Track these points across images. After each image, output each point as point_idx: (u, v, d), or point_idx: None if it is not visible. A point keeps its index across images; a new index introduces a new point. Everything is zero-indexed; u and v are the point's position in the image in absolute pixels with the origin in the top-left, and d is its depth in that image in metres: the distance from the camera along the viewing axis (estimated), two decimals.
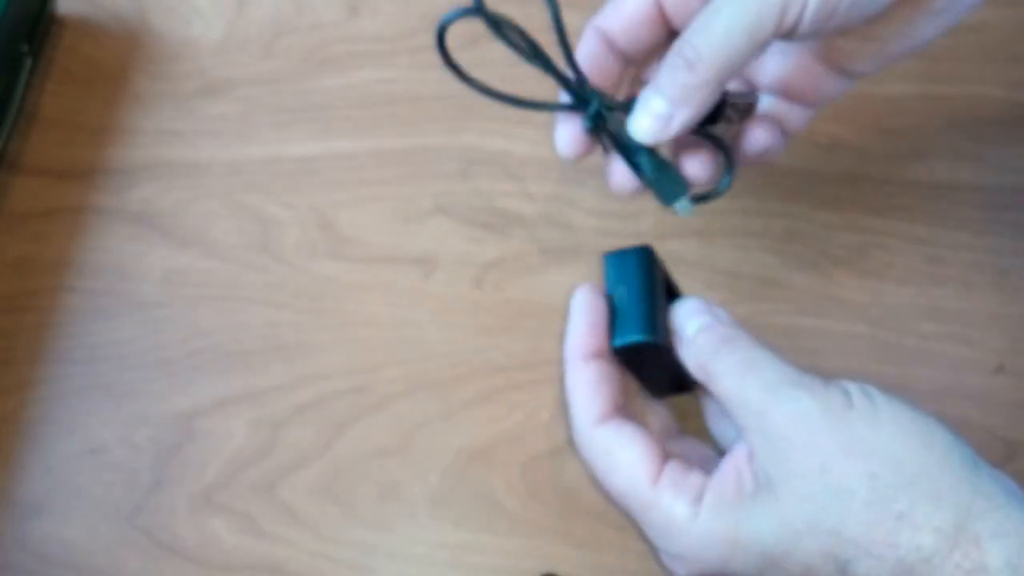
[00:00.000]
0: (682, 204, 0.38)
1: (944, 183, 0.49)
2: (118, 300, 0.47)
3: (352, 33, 0.52)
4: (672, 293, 0.38)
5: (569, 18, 0.49)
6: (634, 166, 0.38)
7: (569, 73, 0.37)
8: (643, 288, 0.37)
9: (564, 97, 0.38)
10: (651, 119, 0.36)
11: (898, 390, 0.32)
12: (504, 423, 0.46)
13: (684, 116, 0.35)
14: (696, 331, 0.35)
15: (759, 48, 0.34)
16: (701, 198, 0.39)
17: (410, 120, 0.50)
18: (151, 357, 0.47)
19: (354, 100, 0.51)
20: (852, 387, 0.33)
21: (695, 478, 0.34)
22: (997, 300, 0.47)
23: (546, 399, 0.46)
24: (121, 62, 0.51)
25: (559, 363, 0.47)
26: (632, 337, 0.36)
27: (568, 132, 0.38)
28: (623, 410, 0.36)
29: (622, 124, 0.37)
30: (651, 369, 0.37)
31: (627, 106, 0.37)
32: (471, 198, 0.49)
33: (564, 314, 0.46)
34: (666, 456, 0.35)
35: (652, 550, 0.35)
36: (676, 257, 0.43)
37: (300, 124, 0.50)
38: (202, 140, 0.50)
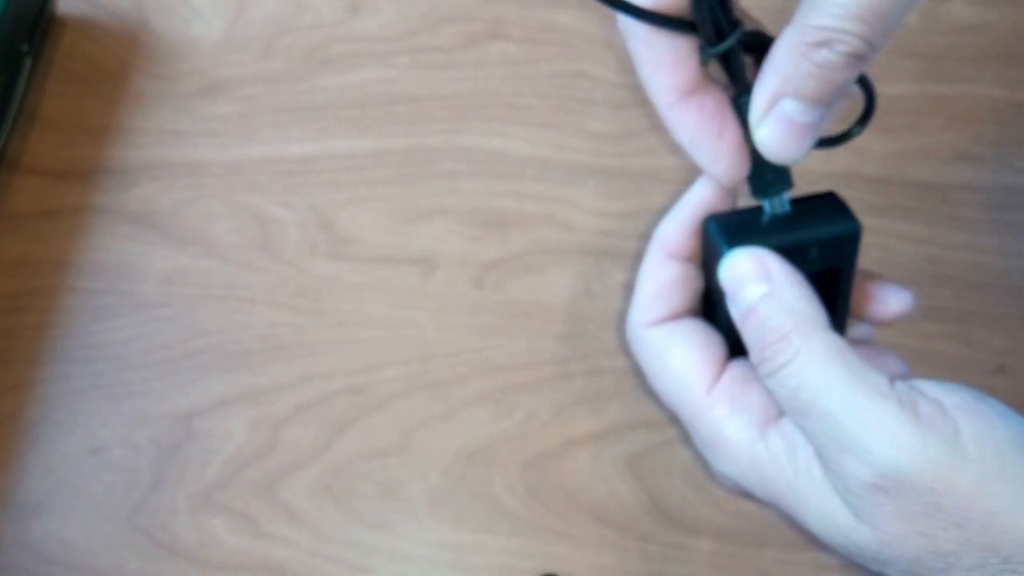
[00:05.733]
0: (782, 200, 0.30)
1: (944, 183, 0.49)
2: (118, 300, 0.47)
3: (352, 33, 0.52)
4: (838, 294, 0.31)
5: (567, 18, 0.50)
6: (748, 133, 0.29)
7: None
8: (799, 235, 0.30)
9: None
10: (793, 132, 0.27)
11: None
12: (504, 423, 0.46)
13: (825, 117, 0.28)
14: (757, 300, 0.29)
15: None
16: (828, 141, 0.32)
17: (410, 120, 0.50)
18: (151, 357, 0.47)
19: (354, 100, 0.51)
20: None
21: (754, 395, 0.30)
22: (997, 300, 0.47)
23: (546, 399, 0.46)
24: (121, 62, 0.51)
25: (559, 363, 0.47)
26: (720, 234, 0.29)
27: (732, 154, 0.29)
28: (690, 311, 0.32)
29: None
30: (723, 313, 0.31)
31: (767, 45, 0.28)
32: (471, 198, 0.49)
33: (564, 314, 0.45)
34: (726, 361, 0.31)
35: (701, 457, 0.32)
36: None
37: (300, 124, 0.50)
38: (202, 140, 0.50)
